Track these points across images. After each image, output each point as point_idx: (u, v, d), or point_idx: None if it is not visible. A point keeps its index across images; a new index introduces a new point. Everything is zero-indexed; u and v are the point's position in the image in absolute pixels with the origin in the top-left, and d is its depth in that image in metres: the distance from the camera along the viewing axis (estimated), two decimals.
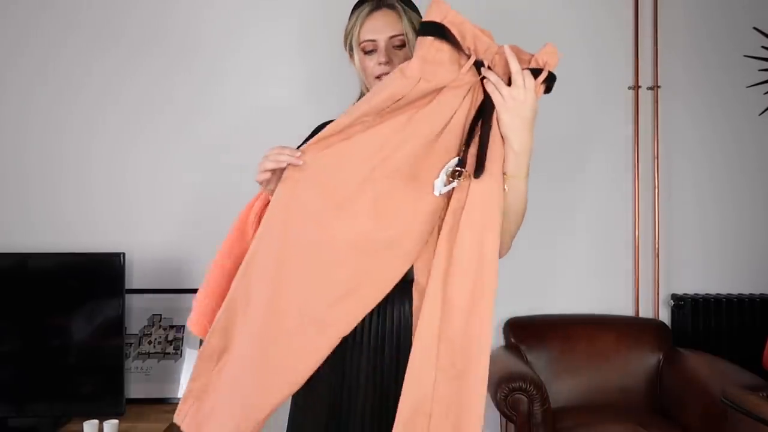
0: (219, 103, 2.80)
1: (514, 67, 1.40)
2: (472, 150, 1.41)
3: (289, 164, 1.46)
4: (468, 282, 1.38)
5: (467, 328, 1.37)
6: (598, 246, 2.86)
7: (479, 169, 1.38)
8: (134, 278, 2.74)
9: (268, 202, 1.56)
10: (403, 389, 1.38)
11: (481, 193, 1.39)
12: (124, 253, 2.50)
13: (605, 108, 2.86)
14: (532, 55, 1.44)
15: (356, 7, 1.65)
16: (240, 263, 1.52)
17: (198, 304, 1.59)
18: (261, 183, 1.55)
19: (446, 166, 1.41)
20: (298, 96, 2.78)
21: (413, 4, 1.67)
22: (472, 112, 1.42)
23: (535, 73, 1.43)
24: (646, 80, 2.86)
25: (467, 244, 1.39)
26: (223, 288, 1.54)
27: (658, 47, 2.85)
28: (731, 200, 2.89)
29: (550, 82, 1.46)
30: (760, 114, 2.89)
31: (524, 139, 1.43)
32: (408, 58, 1.49)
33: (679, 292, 2.86)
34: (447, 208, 1.42)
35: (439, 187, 1.40)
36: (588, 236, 2.87)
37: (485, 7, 2.83)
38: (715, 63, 2.88)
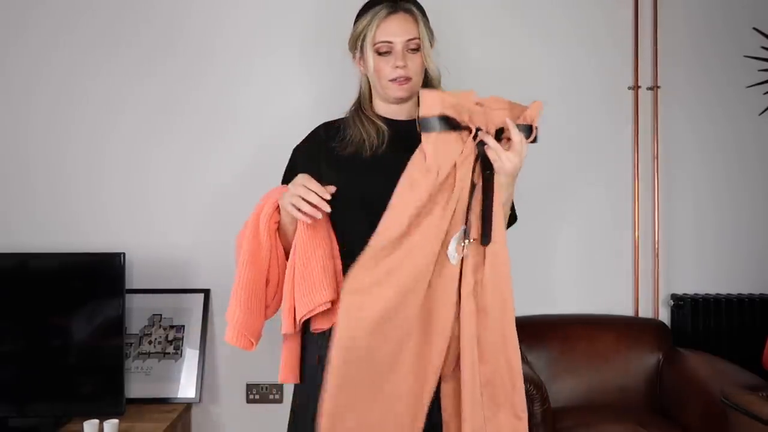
0: (220, 105, 2.80)
1: (516, 137, 1.50)
2: (474, 213, 1.53)
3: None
4: (497, 329, 1.66)
5: (502, 369, 1.61)
6: (598, 246, 2.86)
7: (486, 237, 1.52)
8: (134, 278, 2.74)
9: (278, 207, 1.61)
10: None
11: (493, 254, 1.57)
12: (124, 253, 2.51)
13: (605, 108, 2.86)
14: (523, 109, 1.56)
15: (369, 7, 1.66)
16: (262, 270, 1.63)
17: (233, 318, 1.63)
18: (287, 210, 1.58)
19: (455, 236, 1.52)
20: (303, 103, 2.77)
21: (423, 9, 1.71)
22: (470, 177, 1.53)
23: (524, 127, 1.54)
24: (646, 80, 2.86)
25: (493, 301, 1.64)
26: (252, 300, 1.62)
27: (658, 47, 2.85)
28: (731, 200, 2.89)
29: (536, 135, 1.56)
30: (760, 114, 2.89)
31: (511, 190, 1.61)
32: (422, 62, 1.62)
33: (679, 292, 2.86)
34: (462, 270, 1.56)
35: (453, 255, 1.52)
36: (588, 236, 2.86)
37: (486, 5, 2.84)
38: (715, 63, 2.88)
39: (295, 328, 1.60)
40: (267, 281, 1.66)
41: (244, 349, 1.65)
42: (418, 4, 1.71)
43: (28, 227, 2.77)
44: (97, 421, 2.27)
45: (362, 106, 1.73)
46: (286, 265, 1.64)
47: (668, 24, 2.87)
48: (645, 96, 2.86)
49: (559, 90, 2.85)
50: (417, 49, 1.63)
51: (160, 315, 2.73)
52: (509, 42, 2.85)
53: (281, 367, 1.67)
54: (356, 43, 1.68)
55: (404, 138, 1.60)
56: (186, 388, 2.66)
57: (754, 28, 2.88)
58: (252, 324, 1.63)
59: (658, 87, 2.85)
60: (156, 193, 2.79)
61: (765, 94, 2.88)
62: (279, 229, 1.64)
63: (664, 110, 2.87)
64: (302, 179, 1.55)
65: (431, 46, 1.67)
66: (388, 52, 1.62)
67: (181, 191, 2.79)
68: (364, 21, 1.64)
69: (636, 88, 2.85)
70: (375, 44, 1.62)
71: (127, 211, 2.78)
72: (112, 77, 2.79)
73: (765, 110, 2.89)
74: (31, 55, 2.78)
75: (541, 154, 2.83)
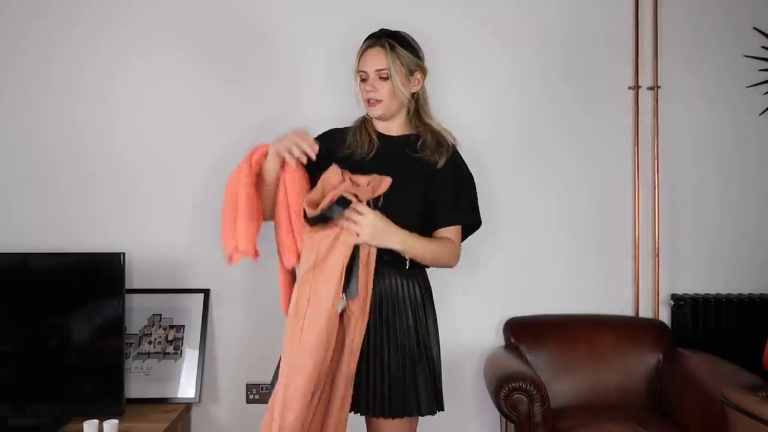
0: (221, 106, 2.80)
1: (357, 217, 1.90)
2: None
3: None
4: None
5: None
6: (598, 246, 2.86)
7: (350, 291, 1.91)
8: (134, 278, 2.74)
9: (266, 153, 1.96)
10: None
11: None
12: (124, 253, 2.51)
13: (605, 108, 2.86)
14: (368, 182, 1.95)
15: (365, 40, 2.04)
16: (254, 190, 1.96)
17: (245, 231, 1.93)
18: (272, 152, 1.94)
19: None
20: (303, 104, 2.78)
21: (410, 43, 2.02)
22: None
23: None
24: (646, 80, 2.86)
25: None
26: (252, 211, 1.93)
27: (658, 47, 2.85)
28: (731, 200, 2.89)
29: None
30: (760, 114, 2.89)
31: (390, 240, 1.91)
32: (390, 88, 1.97)
33: (679, 292, 2.86)
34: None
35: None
36: (588, 236, 2.86)
37: (487, 5, 2.84)
38: (715, 63, 2.88)
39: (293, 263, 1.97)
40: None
41: (252, 258, 1.93)
42: (403, 38, 2.02)
43: (28, 227, 2.77)
44: (96, 421, 2.27)
45: (366, 120, 2.09)
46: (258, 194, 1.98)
47: (668, 24, 2.87)
48: (645, 96, 2.86)
49: (560, 90, 2.85)
50: (387, 78, 1.97)
51: (160, 315, 2.73)
52: (509, 42, 2.85)
53: (282, 299, 2.02)
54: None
55: (392, 152, 2.02)
56: (186, 388, 2.66)
57: (755, 28, 2.88)
58: (253, 233, 1.94)
59: (658, 87, 2.85)
60: (156, 194, 2.79)
61: (765, 94, 2.88)
62: (259, 173, 1.97)
63: (664, 110, 2.87)
64: (298, 131, 1.91)
65: (412, 74, 2.00)
66: (365, 80, 2.00)
67: (181, 192, 2.79)
68: (357, 52, 2.03)
69: (636, 88, 2.85)
70: (358, 72, 2.02)
71: (127, 211, 2.78)
72: (112, 77, 2.79)
73: (765, 110, 2.89)
74: (32, 56, 2.79)
75: (541, 153, 2.85)
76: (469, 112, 2.78)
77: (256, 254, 1.95)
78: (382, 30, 2.05)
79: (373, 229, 1.86)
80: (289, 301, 1.92)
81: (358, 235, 1.87)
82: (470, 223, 2.07)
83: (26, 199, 2.78)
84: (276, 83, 2.80)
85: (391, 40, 1.99)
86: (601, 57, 2.86)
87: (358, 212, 1.87)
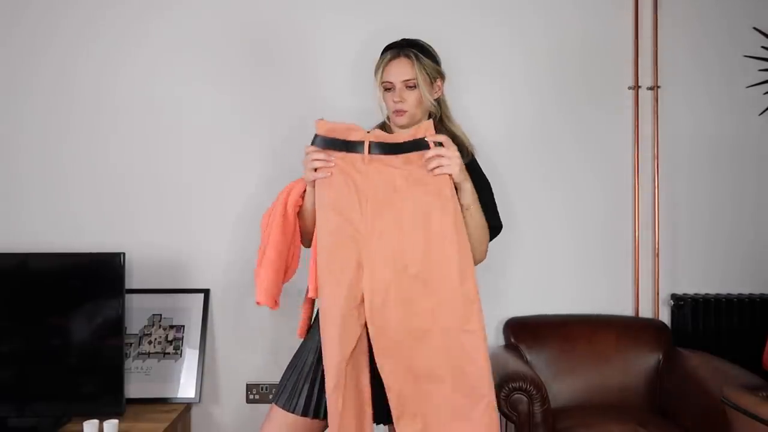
0: (221, 106, 2.80)
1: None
2: None
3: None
4: None
5: None
6: (598, 246, 2.86)
7: None
8: (134, 278, 2.74)
9: (302, 192, 1.90)
10: None
11: None
12: (124, 253, 2.50)
13: (605, 108, 2.86)
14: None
15: (384, 51, 2.03)
16: (287, 237, 1.91)
17: (265, 282, 1.91)
18: (308, 186, 1.87)
19: None
20: (307, 106, 2.78)
21: (429, 51, 2.02)
22: None
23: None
24: (646, 80, 2.86)
25: None
26: (279, 266, 1.91)
27: (658, 47, 2.85)
28: (731, 200, 2.89)
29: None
30: (760, 114, 2.89)
31: (467, 179, 1.81)
32: (418, 97, 1.95)
33: (679, 292, 2.86)
34: None
35: None
36: (588, 236, 2.86)
37: (487, 5, 2.84)
38: (715, 63, 2.88)
39: (316, 294, 1.87)
40: (290, 250, 1.96)
41: (270, 308, 1.90)
42: (423, 47, 2.02)
43: (28, 227, 2.77)
44: (96, 421, 2.27)
45: (385, 127, 2.08)
46: (297, 240, 1.96)
47: (668, 24, 2.87)
48: (645, 96, 2.86)
49: (560, 90, 2.85)
50: (414, 87, 1.95)
51: (160, 315, 2.73)
52: (508, 42, 2.85)
53: (300, 324, 1.96)
54: (375, 78, 2.05)
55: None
56: (186, 388, 2.66)
57: (754, 28, 2.88)
58: (277, 283, 1.91)
59: (658, 87, 2.85)
60: (156, 193, 2.79)
61: (765, 94, 2.88)
62: (300, 212, 1.93)
63: (664, 110, 2.87)
64: (310, 152, 1.81)
65: (434, 81, 1.99)
66: (390, 89, 1.97)
67: (182, 192, 2.79)
68: (377, 63, 2.01)
69: (636, 88, 2.85)
70: (382, 83, 1.99)
71: (127, 211, 2.78)
72: (112, 77, 2.79)
73: (765, 110, 2.89)
74: (31, 55, 2.79)
75: (541, 153, 2.85)
76: (469, 112, 2.77)
77: (275, 305, 1.91)
78: (403, 40, 2.05)
79: (460, 162, 1.76)
80: (309, 328, 1.91)
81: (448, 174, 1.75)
82: (493, 225, 1.99)
83: (26, 199, 2.78)
84: (281, 87, 2.80)
85: (415, 51, 1.99)
86: (601, 57, 2.86)
87: (441, 145, 1.74)
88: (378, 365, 1.75)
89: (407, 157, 1.76)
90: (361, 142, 1.77)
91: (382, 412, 1.81)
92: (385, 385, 1.75)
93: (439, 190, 1.74)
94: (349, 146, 1.77)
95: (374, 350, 1.75)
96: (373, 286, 1.73)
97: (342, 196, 1.77)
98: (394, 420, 1.77)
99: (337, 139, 1.78)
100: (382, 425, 1.88)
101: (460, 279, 1.75)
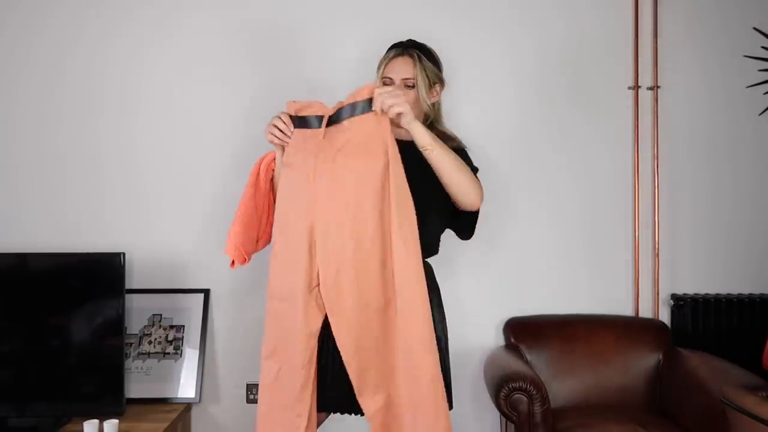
0: (222, 106, 2.80)
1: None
2: None
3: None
4: None
5: None
6: (598, 246, 2.86)
7: None
8: (134, 278, 2.74)
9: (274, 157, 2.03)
10: None
11: None
12: (124, 253, 2.51)
13: (605, 108, 2.86)
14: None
15: (389, 48, 2.09)
16: (258, 205, 2.05)
17: (234, 236, 2.04)
18: (277, 154, 2.00)
19: None
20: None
21: (433, 55, 2.08)
22: None
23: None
24: (646, 80, 2.86)
25: None
26: (248, 225, 2.04)
27: (658, 47, 2.85)
28: (731, 200, 2.89)
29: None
30: (760, 114, 2.89)
31: (418, 125, 1.89)
32: (415, 97, 2.01)
33: (679, 292, 2.86)
34: None
35: None
36: (588, 236, 2.86)
37: (487, 5, 2.84)
38: (715, 63, 2.88)
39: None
40: (261, 216, 2.08)
41: (238, 262, 2.04)
42: (427, 50, 2.08)
43: (28, 227, 2.77)
44: (96, 421, 2.27)
45: None
46: (270, 210, 2.06)
47: (668, 24, 2.87)
48: (645, 96, 2.86)
49: (560, 89, 2.85)
50: (412, 87, 2.02)
51: (160, 315, 2.73)
52: (509, 41, 2.85)
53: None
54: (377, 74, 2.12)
55: (405, 157, 1.91)
56: (186, 388, 2.67)
57: (754, 28, 2.88)
58: (246, 243, 2.04)
59: (658, 87, 2.85)
60: (156, 193, 2.79)
61: (765, 94, 2.88)
62: (272, 178, 2.05)
63: (664, 110, 2.87)
64: (279, 115, 1.92)
65: (433, 85, 2.05)
66: (390, 85, 2.01)
67: (182, 191, 2.79)
68: (381, 59, 2.08)
69: (636, 88, 2.85)
70: (382, 78, 2.05)
71: (127, 211, 2.79)
72: (113, 77, 2.79)
73: (765, 110, 2.89)
74: (29, 54, 2.79)
75: (541, 153, 2.85)
76: (468, 112, 2.78)
77: (244, 260, 2.05)
78: (409, 40, 2.10)
79: (409, 107, 1.84)
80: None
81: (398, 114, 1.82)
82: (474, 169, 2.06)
83: (26, 199, 2.78)
84: (282, 89, 2.80)
85: (419, 52, 2.05)
86: (601, 57, 2.86)
87: (387, 93, 1.82)
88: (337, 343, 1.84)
89: (360, 119, 1.85)
90: (320, 117, 1.87)
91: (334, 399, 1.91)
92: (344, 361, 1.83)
93: (384, 152, 1.82)
94: (309, 121, 1.89)
95: (331, 325, 1.83)
96: (326, 258, 1.81)
97: (297, 167, 1.88)
98: (356, 394, 1.84)
99: (301, 116, 1.90)
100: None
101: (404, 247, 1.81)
